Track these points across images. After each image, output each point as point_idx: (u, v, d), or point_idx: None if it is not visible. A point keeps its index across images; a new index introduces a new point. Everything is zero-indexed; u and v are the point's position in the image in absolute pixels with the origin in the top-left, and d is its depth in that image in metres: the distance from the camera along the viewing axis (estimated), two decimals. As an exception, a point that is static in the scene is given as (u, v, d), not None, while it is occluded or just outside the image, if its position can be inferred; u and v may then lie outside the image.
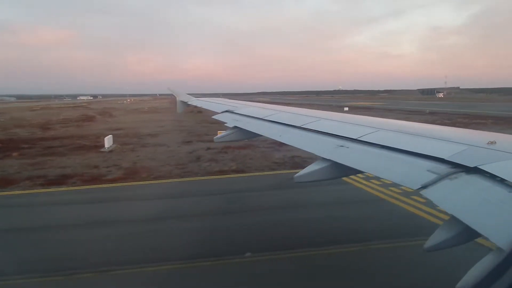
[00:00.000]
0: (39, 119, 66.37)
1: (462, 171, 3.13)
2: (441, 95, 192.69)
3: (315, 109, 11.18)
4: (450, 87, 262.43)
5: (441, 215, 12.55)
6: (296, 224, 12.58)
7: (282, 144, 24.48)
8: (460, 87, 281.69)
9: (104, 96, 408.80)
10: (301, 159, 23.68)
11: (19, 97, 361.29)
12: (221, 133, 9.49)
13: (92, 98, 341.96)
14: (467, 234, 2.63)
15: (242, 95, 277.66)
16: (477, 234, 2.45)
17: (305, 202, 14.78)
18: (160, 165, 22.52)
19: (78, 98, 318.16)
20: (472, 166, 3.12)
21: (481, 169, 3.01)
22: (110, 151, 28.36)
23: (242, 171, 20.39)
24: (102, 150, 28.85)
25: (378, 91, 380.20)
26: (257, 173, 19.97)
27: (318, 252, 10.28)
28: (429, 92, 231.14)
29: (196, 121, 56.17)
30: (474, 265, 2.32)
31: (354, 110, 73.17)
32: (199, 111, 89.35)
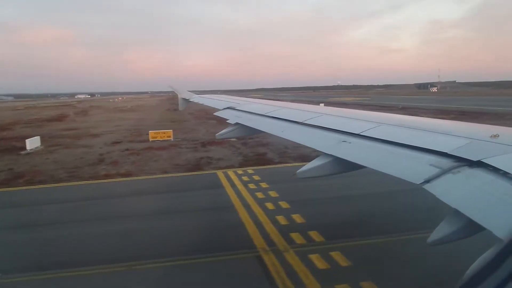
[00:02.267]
0: (8, 120, 65.67)
1: (466, 165, 3.07)
2: (434, 89, 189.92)
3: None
4: (446, 81, 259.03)
5: (268, 228, 11.44)
6: (86, 239, 11.25)
7: (207, 144, 23.33)
8: (457, 81, 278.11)
9: (102, 94, 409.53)
10: (208, 159, 22.62)
11: (18, 96, 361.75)
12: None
13: (89, 96, 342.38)
14: (470, 228, 2.58)
15: (240, 92, 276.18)
16: (480, 228, 2.41)
17: (138, 211, 13.63)
18: (55, 168, 21.54)
19: (75, 97, 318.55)
20: (475, 160, 3.06)
21: (484, 163, 2.96)
22: (27, 154, 27.44)
23: (128, 175, 19.32)
24: (21, 152, 27.94)
25: (377, 86, 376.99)
26: (139, 177, 18.88)
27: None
28: (424, 86, 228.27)
29: (159, 120, 55.22)
30: (477, 259, 2.23)
31: (329, 106, 71.77)
32: (174, 108, 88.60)
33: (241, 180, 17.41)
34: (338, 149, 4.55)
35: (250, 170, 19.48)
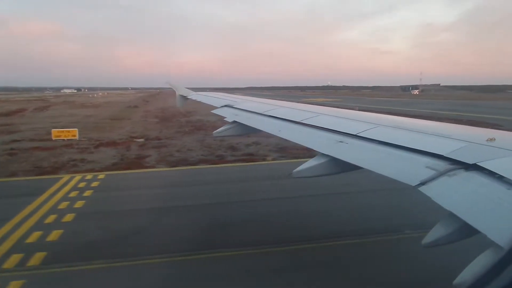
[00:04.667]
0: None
1: (461, 168, 3.08)
2: (416, 92, 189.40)
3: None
4: (431, 84, 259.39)
5: (1, 247, 10.00)
6: None
7: (104, 145, 21.72)
8: (441, 84, 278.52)
9: (90, 89, 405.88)
10: (79, 162, 21.19)
11: (4, 90, 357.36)
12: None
13: (75, 91, 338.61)
14: (465, 231, 2.57)
15: (229, 90, 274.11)
16: (475, 231, 2.41)
17: None
18: None
19: (61, 91, 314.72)
20: (471, 163, 3.06)
21: (480, 166, 2.97)
22: None
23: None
24: None
25: (365, 87, 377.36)
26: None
27: None
28: (408, 89, 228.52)
29: (105, 117, 53.61)
30: (472, 262, 2.23)
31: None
32: (135, 105, 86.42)
33: (74, 187, 15.94)
34: (334, 149, 4.57)
35: (102, 175, 18.07)
